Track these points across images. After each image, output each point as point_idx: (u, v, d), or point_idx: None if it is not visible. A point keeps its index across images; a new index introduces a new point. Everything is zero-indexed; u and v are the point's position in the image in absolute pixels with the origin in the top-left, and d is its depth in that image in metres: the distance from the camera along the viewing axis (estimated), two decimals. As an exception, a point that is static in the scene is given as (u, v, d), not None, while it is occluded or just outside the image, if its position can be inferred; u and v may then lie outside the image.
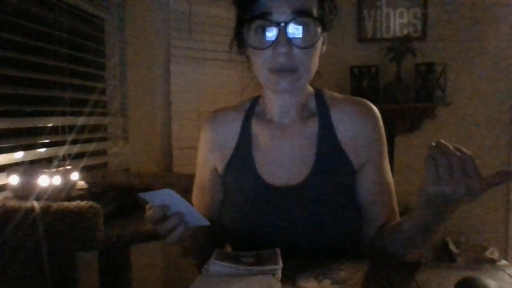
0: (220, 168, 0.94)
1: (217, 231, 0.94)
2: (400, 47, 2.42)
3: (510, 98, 2.61)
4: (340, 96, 0.93)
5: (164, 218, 0.74)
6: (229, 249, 0.95)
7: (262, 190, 0.87)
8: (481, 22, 2.58)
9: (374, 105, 0.91)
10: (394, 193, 0.90)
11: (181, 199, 0.72)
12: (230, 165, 0.92)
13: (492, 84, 2.61)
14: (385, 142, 0.90)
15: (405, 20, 2.63)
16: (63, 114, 1.48)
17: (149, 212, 0.74)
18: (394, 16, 2.64)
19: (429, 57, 2.49)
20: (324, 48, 0.87)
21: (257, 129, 0.92)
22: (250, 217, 0.86)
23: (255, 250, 0.77)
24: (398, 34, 2.61)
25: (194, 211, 0.74)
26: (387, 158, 0.90)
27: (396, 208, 0.90)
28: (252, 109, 0.94)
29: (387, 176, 0.89)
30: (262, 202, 0.86)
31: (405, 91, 2.47)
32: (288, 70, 0.78)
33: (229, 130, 0.94)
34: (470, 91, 2.61)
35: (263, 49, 0.78)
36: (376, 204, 0.87)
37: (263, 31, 0.77)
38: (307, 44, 0.77)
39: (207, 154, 0.96)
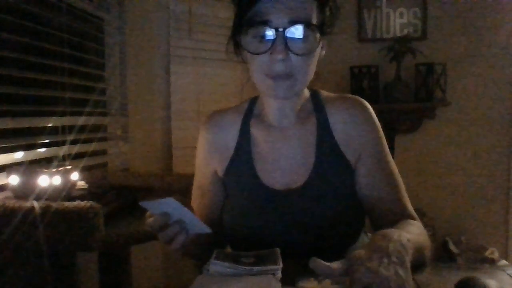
0: (220, 170, 0.94)
1: (217, 234, 0.94)
2: (400, 47, 2.42)
3: (510, 98, 2.61)
4: (335, 95, 0.93)
5: (165, 226, 0.73)
6: (229, 250, 0.95)
7: (262, 193, 0.87)
8: (481, 22, 2.58)
9: (374, 105, 0.91)
10: (399, 184, 0.87)
11: (182, 207, 0.71)
12: (230, 168, 0.92)
13: (492, 84, 2.60)
14: (381, 134, 0.89)
15: (405, 20, 2.63)
16: (63, 114, 1.48)
17: (149, 220, 0.74)
18: (394, 16, 2.64)
19: (429, 57, 2.49)
20: (323, 52, 0.86)
21: (256, 131, 0.91)
22: (250, 220, 0.86)
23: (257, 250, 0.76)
24: (398, 34, 2.61)
25: (195, 219, 0.74)
26: (386, 150, 0.89)
27: (405, 199, 0.87)
28: (250, 111, 0.94)
29: (387, 168, 0.87)
30: (262, 205, 0.86)
31: (405, 91, 2.47)
32: (284, 77, 0.78)
33: (227, 132, 0.93)
34: (470, 91, 2.61)
35: (260, 54, 0.77)
36: (380, 197, 0.85)
37: (261, 37, 0.77)
38: (305, 51, 0.77)
39: (206, 156, 0.96)
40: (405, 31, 2.61)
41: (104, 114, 1.79)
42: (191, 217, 0.73)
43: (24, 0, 1.29)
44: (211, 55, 2.12)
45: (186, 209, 0.72)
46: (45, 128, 1.38)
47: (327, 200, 0.84)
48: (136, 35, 1.89)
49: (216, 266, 0.69)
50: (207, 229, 0.76)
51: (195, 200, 0.98)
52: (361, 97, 0.92)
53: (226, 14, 2.11)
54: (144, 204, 0.71)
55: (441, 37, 2.61)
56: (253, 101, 0.95)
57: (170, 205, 0.71)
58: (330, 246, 0.83)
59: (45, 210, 0.96)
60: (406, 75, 2.52)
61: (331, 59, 0.90)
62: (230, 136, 0.92)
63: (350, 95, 0.92)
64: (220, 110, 0.97)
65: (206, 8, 2.09)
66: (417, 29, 2.62)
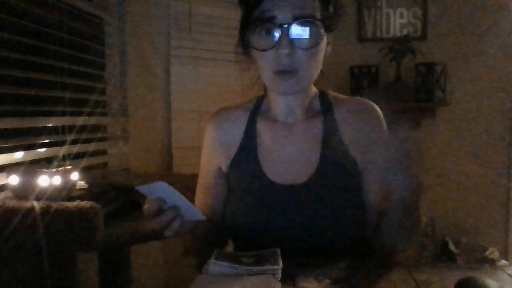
0: (224, 166, 0.94)
1: (219, 231, 0.94)
2: (400, 47, 2.42)
3: (510, 98, 2.61)
4: (344, 96, 0.94)
5: (160, 211, 0.74)
6: (230, 248, 0.95)
7: (267, 188, 0.87)
8: (481, 22, 2.58)
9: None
10: None
11: (176, 192, 0.73)
12: (235, 163, 0.92)
13: (492, 84, 2.60)
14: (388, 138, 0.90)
15: (405, 20, 2.63)
16: (63, 114, 1.47)
17: (145, 206, 0.75)
18: (394, 16, 2.64)
19: (429, 57, 2.49)
20: (329, 49, 0.88)
21: (262, 128, 0.93)
22: (254, 215, 0.87)
23: (259, 247, 0.77)
24: (398, 34, 2.61)
25: (189, 204, 0.75)
26: None
27: None
28: (257, 108, 0.95)
29: None
30: (267, 200, 0.87)
31: (405, 91, 2.47)
32: (290, 72, 0.80)
33: (233, 129, 0.94)
34: (470, 91, 2.61)
35: (266, 50, 0.80)
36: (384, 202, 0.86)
37: (267, 33, 0.80)
38: (309, 45, 0.80)
39: (211, 153, 0.97)
40: (405, 31, 2.61)
41: (104, 114, 1.79)
42: (185, 203, 0.74)
43: (24, 0, 1.29)
44: (211, 55, 2.12)
45: (179, 194, 0.73)
46: (45, 128, 1.38)
47: (331, 196, 0.84)
48: (136, 35, 1.88)
49: (216, 266, 0.70)
50: (201, 216, 0.77)
51: (199, 198, 0.98)
52: (361, 97, 0.93)
53: (226, 14, 2.11)
54: (139, 188, 0.72)
55: (441, 37, 2.61)
56: (260, 99, 0.97)
57: (164, 189, 0.72)
58: (331, 243, 0.84)
59: (45, 210, 0.96)
60: (406, 75, 2.52)
61: (331, 59, 0.91)
62: (236, 131, 0.94)
63: (362, 98, 0.93)
64: (226, 107, 0.99)
65: (206, 8, 2.09)
66: (417, 29, 2.62)
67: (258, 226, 0.86)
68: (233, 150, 0.93)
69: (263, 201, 0.87)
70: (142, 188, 0.72)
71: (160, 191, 0.73)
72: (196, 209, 0.76)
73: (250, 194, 0.89)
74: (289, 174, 0.87)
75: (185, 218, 0.76)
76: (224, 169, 0.95)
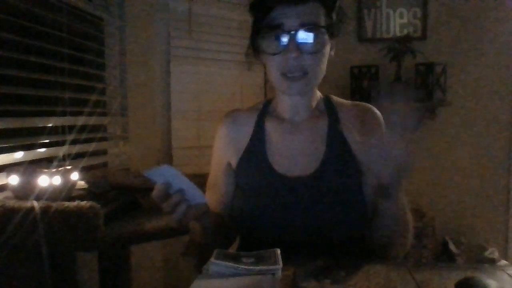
0: (234, 162, 0.99)
1: (227, 225, 0.99)
2: (400, 47, 2.42)
3: (510, 98, 2.61)
4: (347, 101, 1.01)
5: (167, 196, 0.78)
6: (235, 248, 0.97)
7: (274, 180, 0.92)
8: (481, 22, 2.58)
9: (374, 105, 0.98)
10: None
11: (180, 175, 0.76)
12: (244, 158, 0.97)
13: (492, 84, 2.60)
14: None
15: (405, 20, 2.63)
16: (63, 114, 1.47)
17: (154, 192, 0.79)
18: (394, 16, 2.64)
19: (429, 57, 2.49)
20: (332, 53, 0.94)
21: (270, 126, 0.98)
22: (261, 205, 0.91)
23: (266, 237, 0.83)
24: (398, 34, 2.61)
25: (193, 187, 0.78)
26: None
27: None
28: (265, 109, 1.01)
29: None
30: (274, 191, 0.91)
31: (405, 91, 2.46)
32: (298, 75, 0.87)
33: (243, 127, 1.00)
34: (470, 91, 2.61)
35: (276, 54, 0.86)
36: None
37: (276, 39, 0.87)
38: (315, 49, 0.86)
39: (221, 149, 1.02)
40: (405, 31, 2.61)
41: (104, 114, 1.78)
42: (189, 185, 0.78)
43: (24, 0, 1.29)
44: (211, 55, 2.12)
45: (184, 176, 0.77)
46: (45, 128, 1.38)
47: (335, 188, 0.89)
48: (136, 35, 1.88)
49: (216, 266, 0.70)
50: (203, 198, 0.80)
51: (209, 195, 1.02)
52: (361, 97, 0.97)
53: (226, 14, 2.11)
54: (147, 173, 0.76)
55: (441, 37, 2.61)
56: (268, 101, 1.04)
57: (170, 173, 0.76)
58: (338, 233, 0.88)
59: (45, 210, 0.96)
60: (406, 75, 2.52)
61: (331, 59, 0.95)
62: (245, 130, 1.00)
63: (364, 103, 0.99)
64: (237, 109, 1.06)
65: (206, 8, 2.09)
66: (417, 29, 2.62)
67: (265, 215, 0.90)
68: (242, 146, 0.98)
69: (271, 192, 0.91)
70: (149, 173, 0.76)
71: (166, 174, 0.76)
72: (199, 191, 0.79)
73: (258, 186, 0.93)
74: (296, 167, 0.92)
75: (190, 202, 0.79)
76: (233, 165, 0.99)
